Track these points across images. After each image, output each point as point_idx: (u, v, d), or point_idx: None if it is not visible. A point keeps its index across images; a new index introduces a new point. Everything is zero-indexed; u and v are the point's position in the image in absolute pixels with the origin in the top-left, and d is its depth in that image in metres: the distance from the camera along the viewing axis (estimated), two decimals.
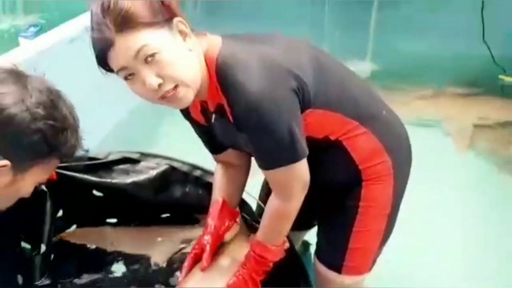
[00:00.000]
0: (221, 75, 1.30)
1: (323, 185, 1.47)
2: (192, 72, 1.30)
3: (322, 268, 1.64)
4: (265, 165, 1.38)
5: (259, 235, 1.48)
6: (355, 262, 1.59)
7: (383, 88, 3.38)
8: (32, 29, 3.21)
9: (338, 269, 1.60)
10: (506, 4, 3.88)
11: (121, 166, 1.87)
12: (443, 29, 4.05)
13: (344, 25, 4.27)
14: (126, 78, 1.27)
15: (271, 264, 1.48)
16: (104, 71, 1.28)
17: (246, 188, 1.73)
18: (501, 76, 3.84)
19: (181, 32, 1.27)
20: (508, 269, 2.24)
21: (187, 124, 1.62)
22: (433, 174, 2.71)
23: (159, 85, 1.24)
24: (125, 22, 1.21)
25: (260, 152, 1.38)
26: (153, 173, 1.86)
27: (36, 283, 1.67)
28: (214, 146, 1.62)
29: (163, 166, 1.87)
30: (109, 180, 1.81)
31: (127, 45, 1.22)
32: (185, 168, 1.88)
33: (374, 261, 1.63)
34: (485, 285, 2.15)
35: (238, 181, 1.68)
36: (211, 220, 1.59)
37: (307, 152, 1.37)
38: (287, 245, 1.51)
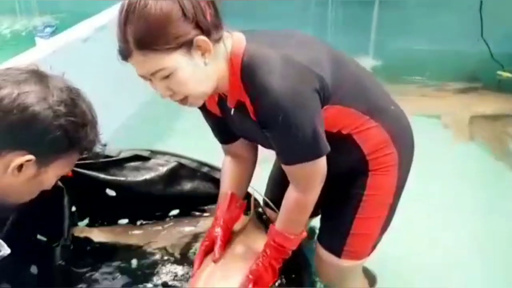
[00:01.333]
0: (246, 75, 1.31)
1: (331, 174, 1.47)
2: (204, 85, 1.31)
3: (322, 252, 1.65)
4: (288, 161, 1.40)
5: (279, 225, 1.50)
6: (355, 247, 1.61)
7: (384, 83, 3.37)
8: (48, 29, 3.24)
9: (338, 253, 1.62)
10: (504, 2, 3.88)
11: (132, 164, 1.90)
12: (443, 26, 4.04)
13: (347, 24, 4.28)
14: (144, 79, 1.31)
15: (290, 252, 1.51)
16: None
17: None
18: (499, 72, 3.84)
19: (200, 48, 1.26)
20: (505, 256, 2.23)
21: (196, 118, 1.62)
22: (433, 165, 2.70)
23: (170, 95, 1.30)
24: (146, 43, 1.21)
25: (285, 149, 1.39)
26: (162, 170, 1.89)
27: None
28: (225, 136, 1.63)
29: (172, 163, 1.90)
30: (122, 178, 1.84)
31: (145, 64, 1.24)
32: (193, 165, 1.91)
33: (373, 248, 1.65)
34: (483, 272, 2.14)
35: (246, 173, 1.69)
36: (220, 212, 1.61)
37: (329, 148, 1.37)
38: (304, 234, 1.53)
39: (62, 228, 1.69)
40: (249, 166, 1.69)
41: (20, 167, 1.12)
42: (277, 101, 1.27)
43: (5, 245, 1.20)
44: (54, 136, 1.13)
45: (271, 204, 1.81)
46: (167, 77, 1.25)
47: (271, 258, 1.50)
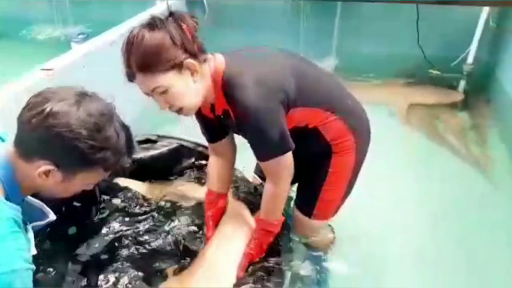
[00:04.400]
0: (226, 92, 1.32)
1: (304, 156, 1.49)
2: (194, 99, 1.31)
3: (297, 213, 1.68)
4: (261, 158, 1.40)
5: (262, 214, 1.52)
6: (321, 210, 1.63)
7: (343, 79, 3.36)
8: (81, 36, 3.15)
9: (309, 215, 1.64)
10: (435, 17, 3.85)
11: (143, 145, 1.93)
12: (389, 34, 4.00)
13: (315, 30, 4.20)
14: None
15: (275, 234, 1.53)
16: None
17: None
18: (430, 70, 3.83)
19: (189, 69, 1.26)
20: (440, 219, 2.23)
21: None
22: (378, 144, 2.68)
23: (168, 108, 1.31)
24: (145, 66, 1.21)
25: (257, 148, 1.40)
26: (166, 149, 1.91)
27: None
28: (212, 136, 1.62)
29: (174, 144, 1.92)
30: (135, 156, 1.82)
31: (146, 83, 1.24)
32: (191, 145, 1.92)
33: (335, 211, 1.67)
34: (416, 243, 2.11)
35: (228, 168, 1.68)
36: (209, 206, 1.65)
37: (292, 146, 1.37)
38: (283, 218, 1.54)
39: (95, 194, 1.70)
40: (230, 163, 1.68)
41: (47, 173, 1.05)
42: (249, 112, 1.28)
43: (52, 213, 1.17)
44: (73, 154, 1.03)
45: (256, 177, 1.85)
46: (163, 92, 1.25)
47: (261, 241, 1.51)
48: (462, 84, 3.71)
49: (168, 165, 1.92)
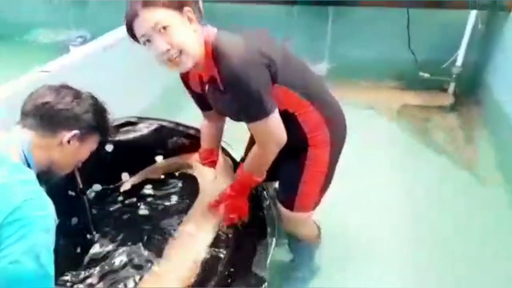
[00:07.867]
0: (215, 53, 1.36)
1: (283, 148, 1.49)
2: (194, 45, 1.35)
3: (280, 207, 1.70)
4: (246, 119, 1.43)
5: (245, 168, 1.56)
6: (301, 203, 1.65)
7: (336, 82, 3.42)
8: (79, 39, 3.20)
9: (290, 207, 1.67)
10: (426, 21, 3.91)
11: (124, 128, 1.89)
12: (381, 38, 4.05)
13: (308, 33, 4.24)
14: (145, 43, 1.32)
15: (250, 186, 1.58)
16: (132, 39, 1.34)
17: None
18: (420, 73, 3.87)
19: (188, 17, 1.32)
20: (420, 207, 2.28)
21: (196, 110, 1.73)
22: (366, 143, 2.73)
23: (167, 50, 1.30)
24: (148, 1, 1.27)
25: (241, 110, 1.41)
26: (147, 130, 1.90)
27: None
28: (203, 105, 1.69)
29: (155, 125, 1.91)
30: (116, 139, 1.85)
31: (148, 18, 1.28)
32: (171, 125, 1.92)
33: (316, 204, 1.69)
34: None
35: (218, 131, 1.79)
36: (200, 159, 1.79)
37: (274, 110, 1.39)
38: (260, 179, 1.57)
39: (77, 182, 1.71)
40: (219, 126, 1.78)
41: (72, 139, 1.26)
42: (233, 71, 1.31)
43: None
44: (89, 124, 1.30)
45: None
46: (164, 29, 1.28)
47: (237, 186, 1.57)
48: (452, 86, 3.75)
49: (151, 146, 1.92)
